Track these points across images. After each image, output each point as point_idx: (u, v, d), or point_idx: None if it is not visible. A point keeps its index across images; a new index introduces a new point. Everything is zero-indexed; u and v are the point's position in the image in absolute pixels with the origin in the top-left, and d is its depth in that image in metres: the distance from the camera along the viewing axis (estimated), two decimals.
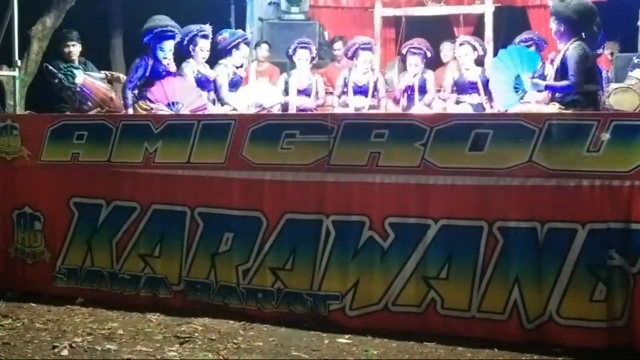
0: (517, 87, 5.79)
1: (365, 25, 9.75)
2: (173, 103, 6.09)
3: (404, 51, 7.67)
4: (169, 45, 6.13)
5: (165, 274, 5.28)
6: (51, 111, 6.17)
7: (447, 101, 7.45)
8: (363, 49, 7.48)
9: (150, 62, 6.09)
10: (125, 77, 6.86)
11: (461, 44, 7.53)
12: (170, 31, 6.10)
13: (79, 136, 5.49)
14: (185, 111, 6.13)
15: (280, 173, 5.01)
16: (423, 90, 7.52)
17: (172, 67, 6.29)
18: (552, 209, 4.48)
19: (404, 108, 7.45)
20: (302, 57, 7.59)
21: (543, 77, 6.61)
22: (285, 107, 7.33)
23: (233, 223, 5.11)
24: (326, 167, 4.90)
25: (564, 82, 5.32)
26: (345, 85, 7.61)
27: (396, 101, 7.68)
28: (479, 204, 4.61)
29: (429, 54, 7.61)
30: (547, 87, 5.64)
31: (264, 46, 8.68)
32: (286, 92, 7.56)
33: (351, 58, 7.65)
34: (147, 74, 6.11)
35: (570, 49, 5.31)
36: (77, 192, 5.52)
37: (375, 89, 7.56)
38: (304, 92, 7.58)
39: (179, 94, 6.17)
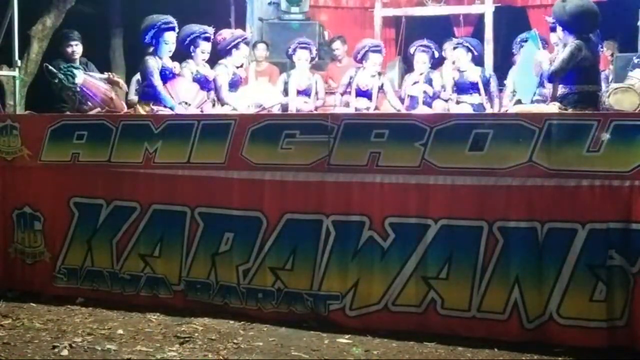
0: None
1: (365, 26, 9.76)
2: (185, 102, 6.12)
3: (412, 50, 7.66)
4: (172, 38, 6.16)
5: (165, 274, 5.29)
6: (51, 111, 6.17)
7: (449, 101, 7.45)
8: (373, 51, 7.44)
9: (158, 63, 6.08)
10: (124, 84, 6.85)
11: (455, 47, 7.54)
12: (169, 22, 6.13)
13: (79, 136, 5.50)
14: (193, 109, 6.15)
15: (280, 173, 5.01)
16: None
17: (177, 69, 6.29)
18: (552, 209, 4.48)
19: (408, 107, 7.44)
20: (302, 58, 7.57)
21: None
22: (285, 108, 7.32)
23: (233, 223, 5.11)
24: (326, 167, 4.90)
25: (547, 67, 5.38)
26: (350, 85, 7.58)
27: (400, 101, 7.66)
28: (479, 204, 4.61)
29: (436, 54, 7.62)
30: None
31: (261, 46, 8.67)
32: (285, 92, 7.55)
33: (360, 61, 7.57)
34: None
35: (566, 47, 5.33)
36: (77, 192, 5.52)
37: (379, 93, 7.55)
38: (304, 92, 7.57)
39: (184, 94, 6.19)
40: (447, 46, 8.10)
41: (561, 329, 4.47)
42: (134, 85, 7.77)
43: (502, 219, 4.56)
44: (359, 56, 7.57)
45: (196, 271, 5.21)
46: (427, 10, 9.42)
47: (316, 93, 7.69)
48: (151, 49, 6.15)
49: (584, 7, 5.30)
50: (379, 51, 7.50)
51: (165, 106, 6.02)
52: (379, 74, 7.62)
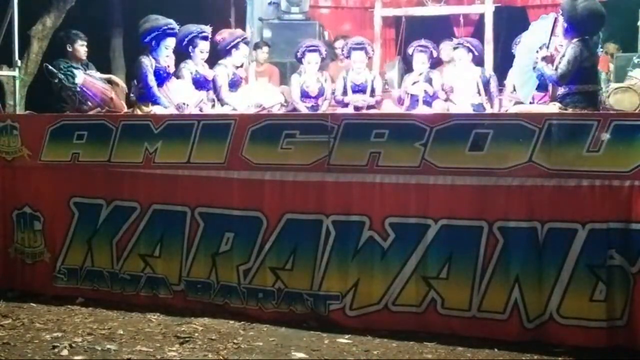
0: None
1: (365, 26, 9.74)
2: (184, 103, 6.13)
3: (410, 50, 7.66)
4: (172, 43, 6.18)
5: (165, 274, 5.29)
6: (51, 111, 6.17)
7: (448, 101, 7.45)
8: (354, 49, 7.47)
9: (152, 62, 6.10)
10: (124, 84, 6.86)
11: (455, 48, 7.53)
12: (172, 29, 6.15)
13: (79, 136, 5.50)
14: (192, 109, 6.16)
15: (280, 173, 5.02)
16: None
17: (172, 68, 6.30)
18: (552, 209, 4.48)
19: (408, 107, 7.43)
20: (312, 61, 7.40)
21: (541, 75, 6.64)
22: (292, 109, 7.29)
23: (233, 223, 5.11)
24: (326, 167, 4.90)
25: (553, 72, 5.38)
26: (345, 85, 7.59)
27: (400, 101, 7.66)
28: (479, 204, 4.62)
29: (434, 53, 7.61)
30: (534, 67, 5.64)
31: (264, 49, 8.65)
32: (302, 94, 7.43)
33: (347, 57, 7.69)
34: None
35: (569, 49, 5.34)
36: (77, 192, 5.52)
37: (373, 87, 7.55)
38: (316, 97, 7.49)
39: (181, 95, 6.19)
40: (444, 47, 8.08)
41: (561, 329, 4.47)
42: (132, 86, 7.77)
43: (502, 219, 4.56)
44: (345, 54, 7.70)
45: (196, 271, 5.21)
46: (427, 10, 9.39)
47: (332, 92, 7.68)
48: (147, 50, 6.14)
49: (595, 10, 5.32)
50: (361, 48, 7.48)
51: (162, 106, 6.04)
52: (371, 70, 7.64)
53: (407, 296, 4.74)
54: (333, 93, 7.66)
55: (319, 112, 7.22)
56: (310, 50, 7.42)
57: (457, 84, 7.41)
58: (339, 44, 8.67)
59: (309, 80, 7.46)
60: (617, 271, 4.39)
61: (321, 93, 7.47)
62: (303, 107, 7.34)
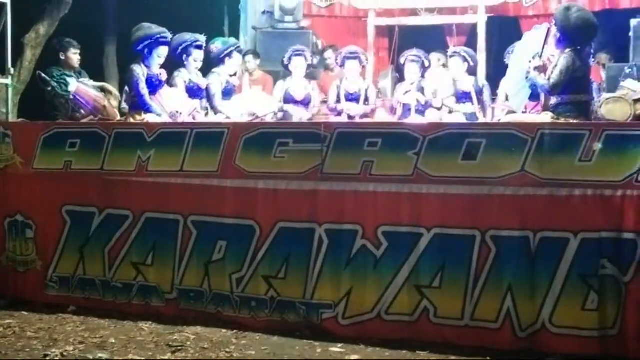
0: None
1: (358, 35, 9.76)
2: (178, 112, 6.13)
3: (402, 60, 7.69)
4: (164, 52, 6.19)
5: (157, 283, 5.27)
6: (44, 119, 6.16)
7: (442, 109, 7.47)
8: (348, 58, 7.54)
9: (144, 70, 6.10)
10: (117, 92, 6.87)
11: (451, 56, 7.58)
12: (165, 37, 6.16)
13: (71, 144, 5.49)
14: (185, 118, 6.15)
15: (273, 182, 5.02)
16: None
17: (164, 76, 6.31)
18: (545, 218, 4.49)
19: (400, 117, 7.45)
20: (298, 65, 7.53)
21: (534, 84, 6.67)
22: (287, 116, 7.30)
23: (226, 231, 5.11)
24: (319, 175, 4.90)
25: (545, 81, 5.41)
26: (338, 94, 7.62)
27: (392, 111, 7.68)
28: (471, 213, 4.62)
29: (426, 63, 7.64)
30: (527, 77, 5.67)
31: (248, 58, 8.50)
32: (286, 100, 7.48)
33: (342, 67, 7.73)
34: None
35: (561, 59, 5.37)
36: (70, 200, 5.50)
37: (367, 96, 7.58)
38: (302, 102, 7.52)
39: (174, 103, 6.20)
40: (432, 57, 8.10)
41: (554, 338, 4.47)
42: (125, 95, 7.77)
43: (495, 228, 4.57)
44: (339, 63, 7.78)
45: (189, 279, 5.19)
46: (421, 20, 9.43)
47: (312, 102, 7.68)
48: (139, 58, 6.15)
49: (588, 21, 5.37)
50: (355, 58, 7.54)
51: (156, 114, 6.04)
52: (364, 79, 7.67)
53: (399, 305, 4.74)
54: (325, 102, 7.69)
55: (307, 119, 7.24)
56: (296, 55, 7.51)
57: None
58: (328, 54, 8.69)
59: (294, 85, 7.50)
60: (609, 280, 4.40)
61: (307, 100, 7.50)
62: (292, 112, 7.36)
